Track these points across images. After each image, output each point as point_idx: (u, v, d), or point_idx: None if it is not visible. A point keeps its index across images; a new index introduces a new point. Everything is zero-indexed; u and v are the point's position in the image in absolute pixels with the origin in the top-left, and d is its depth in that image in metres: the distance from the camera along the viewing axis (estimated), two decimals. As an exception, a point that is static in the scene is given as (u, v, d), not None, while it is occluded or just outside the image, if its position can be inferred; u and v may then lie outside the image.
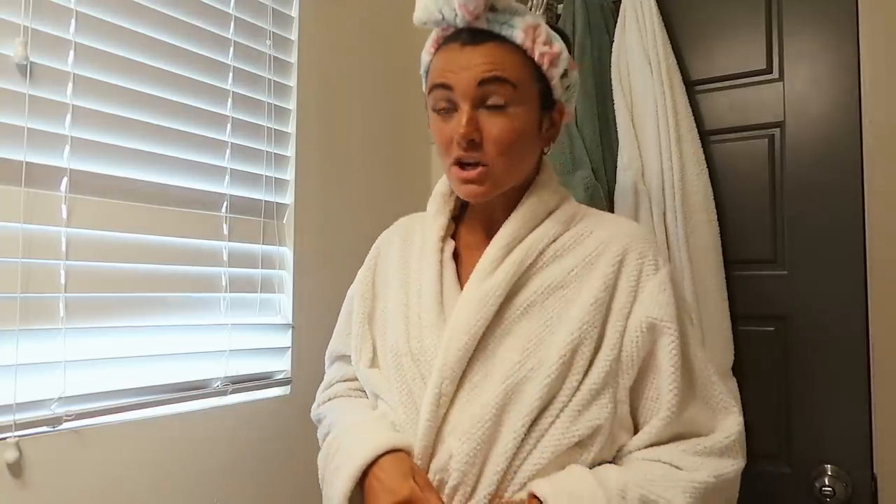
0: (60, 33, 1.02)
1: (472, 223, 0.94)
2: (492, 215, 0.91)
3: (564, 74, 0.87)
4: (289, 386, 1.35)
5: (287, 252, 1.38)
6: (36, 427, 0.96)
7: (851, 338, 1.32)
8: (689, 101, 1.45)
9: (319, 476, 0.92)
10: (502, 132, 0.81)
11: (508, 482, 0.77)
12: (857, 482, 1.30)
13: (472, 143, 0.81)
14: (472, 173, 0.82)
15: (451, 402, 0.81)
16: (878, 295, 1.29)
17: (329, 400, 1.04)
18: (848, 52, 1.35)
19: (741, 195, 1.46)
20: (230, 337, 1.25)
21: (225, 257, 1.25)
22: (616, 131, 1.48)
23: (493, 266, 0.84)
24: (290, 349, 1.36)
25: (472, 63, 0.80)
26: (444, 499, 0.78)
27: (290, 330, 1.36)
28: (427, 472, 0.80)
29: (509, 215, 0.88)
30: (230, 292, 1.26)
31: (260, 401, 1.30)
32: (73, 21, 1.03)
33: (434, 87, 0.84)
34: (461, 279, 0.89)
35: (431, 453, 0.80)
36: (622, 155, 1.45)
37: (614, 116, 1.48)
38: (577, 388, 0.79)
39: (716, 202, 1.42)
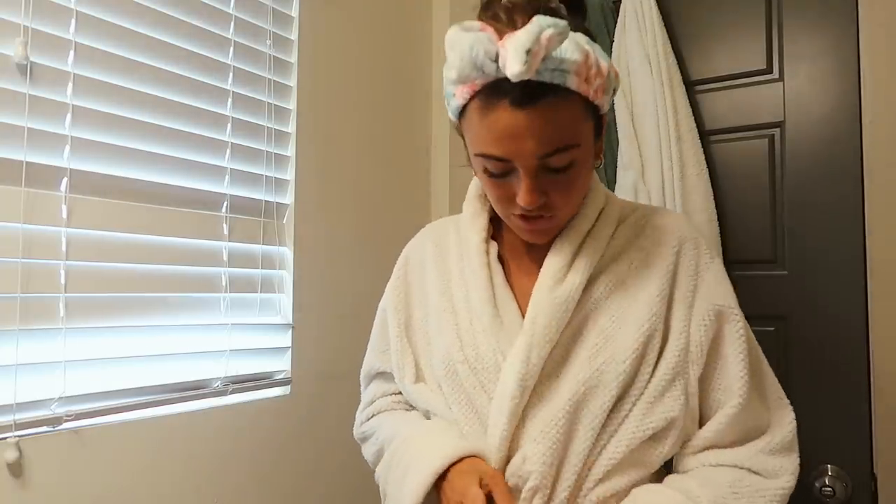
0: (60, 33, 1.02)
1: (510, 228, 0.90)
2: None
3: (613, 91, 0.79)
4: (289, 386, 1.35)
5: (287, 252, 1.38)
6: (36, 427, 0.96)
7: (851, 338, 1.32)
8: (689, 101, 1.45)
9: (381, 492, 0.89)
10: (568, 189, 0.76)
11: (583, 479, 0.77)
12: (857, 482, 1.30)
13: (540, 207, 0.77)
14: (539, 225, 0.79)
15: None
16: (878, 295, 1.29)
17: (374, 416, 0.98)
18: (848, 52, 1.35)
19: (741, 195, 1.46)
20: (230, 337, 1.25)
21: (225, 257, 1.25)
22: (616, 131, 1.48)
23: (563, 270, 0.81)
24: (290, 349, 1.36)
25: (531, 132, 0.70)
26: (523, 503, 0.76)
27: (290, 330, 1.36)
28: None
29: None
30: (230, 292, 1.26)
31: (260, 401, 1.30)
32: (73, 21, 1.03)
33: (485, 156, 0.74)
34: (510, 281, 0.86)
35: (507, 460, 0.79)
36: (622, 155, 1.45)
37: (614, 116, 1.48)
38: (650, 381, 0.79)
39: (716, 202, 1.42)
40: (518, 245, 0.89)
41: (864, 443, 1.30)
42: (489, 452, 0.78)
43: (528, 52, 0.63)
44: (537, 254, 0.85)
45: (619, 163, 1.46)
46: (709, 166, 1.43)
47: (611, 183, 1.48)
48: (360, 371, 1.04)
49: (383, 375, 1.00)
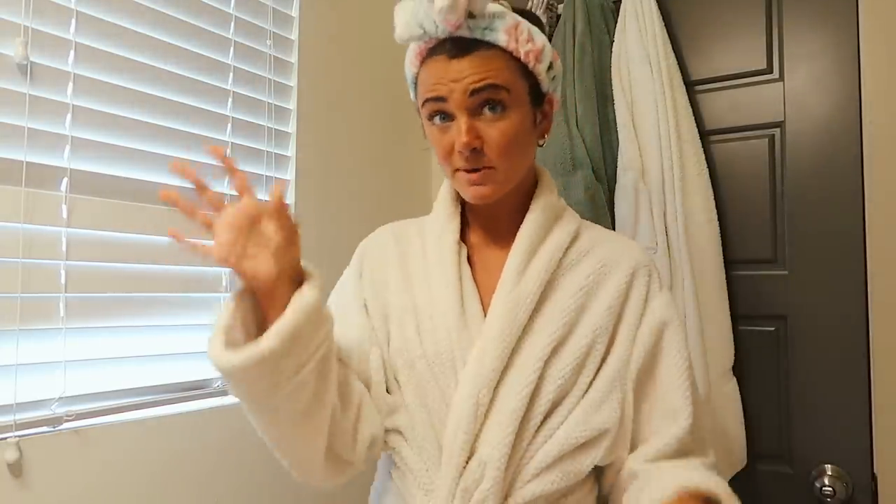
0: (60, 33, 1.02)
1: (475, 227, 0.94)
2: (497, 218, 0.91)
3: (550, 66, 0.87)
4: (289, 386, 1.35)
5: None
6: (36, 427, 0.96)
7: (851, 338, 1.32)
8: (689, 101, 1.45)
9: None
10: (501, 136, 0.82)
11: (515, 479, 0.80)
12: (857, 482, 1.31)
13: (475, 150, 0.81)
14: (477, 175, 0.83)
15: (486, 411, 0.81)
16: (878, 295, 1.29)
17: None
18: (848, 52, 1.35)
19: (741, 195, 1.46)
20: (230, 337, 1.25)
21: (225, 257, 1.25)
22: (616, 131, 1.48)
23: (519, 271, 0.85)
24: (291, 349, 1.36)
25: (462, 74, 0.81)
26: None
27: (291, 330, 1.36)
28: (458, 485, 0.79)
29: (514, 218, 0.90)
30: (230, 292, 1.26)
31: (260, 401, 1.29)
32: (73, 21, 1.03)
33: (427, 100, 0.84)
34: (476, 281, 0.89)
35: (465, 465, 0.80)
36: (622, 155, 1.45)
37: (614, 116, 1.48)
38: (587, 391, 0.83)
39: (716, 202, 1.42)
40: (479, 246, 0.93)
41: (864, 443, 1.30)
42: (447, 455, 0.80)
43: None
44: (501, 256, 0.89)
45: (619, 163, 1.46)
46: (709, 166, 1.43)
47: (611, 182, 1.48)
48: None
49: None
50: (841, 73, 1.36)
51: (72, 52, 1.03)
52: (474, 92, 0.80)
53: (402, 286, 0.92)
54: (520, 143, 0.84)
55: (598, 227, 0.97)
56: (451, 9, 0.78)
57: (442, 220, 0.92)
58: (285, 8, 1.41)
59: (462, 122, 0.81)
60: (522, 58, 0.83)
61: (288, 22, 1.42)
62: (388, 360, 0.89)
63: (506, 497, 0.79)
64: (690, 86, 1.49)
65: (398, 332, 0.89)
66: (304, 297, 0.71)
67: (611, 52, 1.50)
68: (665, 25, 1.46)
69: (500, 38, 0.81)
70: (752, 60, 1.46)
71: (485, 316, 0.85)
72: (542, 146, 0.93)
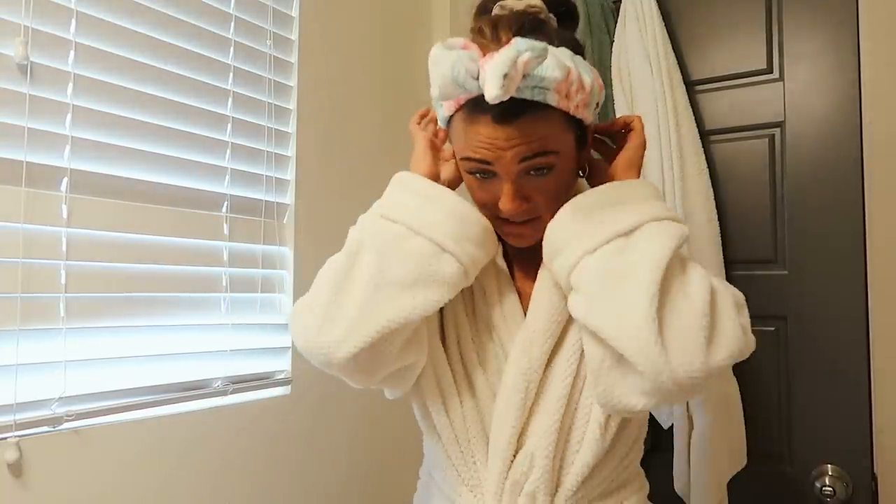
0: (60, 33, 1.02)
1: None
2: None
3: (597, 105, 0.81)
4: (289, 386, 1.35)
5: (287, 252, 1.38)
6: (36, 427, 0.96)
7: (851, 338, 1.32)
8: (689, 101, 1.45)
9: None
10: (549, 193, 0.78)
11: (559, 472, 0.80)
12: (858, 482, 1.31)
13: (522, 212, 0.79)
14: (523, 230, 0.81)
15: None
16: (878, 295, 1.29)
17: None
18: (848, 52, 1.35)
19: (741, 195, 1.46)
20: (230, 337, 1.25)
21: (225, 257, 1.25)
22: (616, 131, 1.48)
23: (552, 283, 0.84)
24: (291, 349, 1.36)
25: (511, 142, 0.73)
26: (525, 497, 0.78)
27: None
28: (507, 478, 0.79)
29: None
30: (230, 292, 1.26)
31: (260, 401, 1.30)
32: (73, 21, 1.03)
33: (468, 159, 0.77)
34: (514, 280, 0.88)
35: (512, 458, 0.80)
36: (622, 155, 1.45)
37: (614, 116, 1.48)
38: None
39: (716, 202, 1.42)
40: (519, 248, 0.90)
41: (864, 443, 1.30)
42: (493, 448, 0.80)
43: (505, 76, 0.64)
44: (537, 251, 0.85)
45: (619, 163, 1.45)
46: (709, 166, 1.43)
47: (611, 183, 1.48)
48: None
49: None
50: (841, 73, 1.36)
51: (72, 52, 1.03)
52: (524, 160, 0.74)
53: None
54: (566, 189, 0.81)
55: None
56: (500, 96, 0.66)
57: None
58: (285, 8, 1.41)
59: (508, 187, 0.76)
60: (572, 111, 0.75)
61: (288, 22, 1.42)
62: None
63: (556, 487, 0.79)
64: (690, 86, 1.49)
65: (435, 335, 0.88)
66: None
67: (611, 52, 1.50)
68: (665, 25, 1.46)
69: (551, 98, 0.72)
70: (752, 60, 1.46)
71: (522, 308, 0.85)
72: (583, 176, 0.89)
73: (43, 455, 0.95)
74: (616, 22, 1.51)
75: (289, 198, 1.39)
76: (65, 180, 1.02)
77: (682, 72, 1.46)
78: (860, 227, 1.32)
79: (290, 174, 1.40)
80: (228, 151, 1.27)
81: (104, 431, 1.03)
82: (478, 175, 0.79)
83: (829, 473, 1.33)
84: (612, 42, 1.51)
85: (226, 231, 1.26)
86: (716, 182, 1.45)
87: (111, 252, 1.07)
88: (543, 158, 0.75)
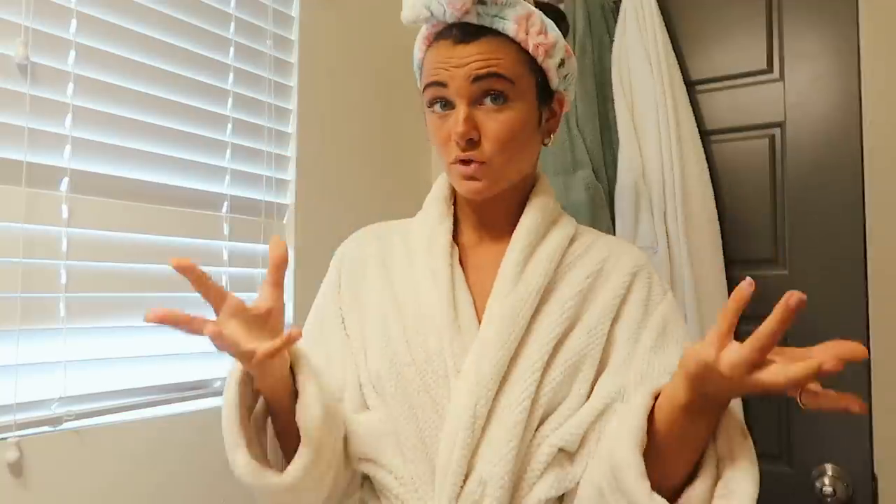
0: (61, 33, 1.02)
1: (466, 227, 0.90)
2: (492, 218, 0.88)
3: (561, 64, 0.84)
4: (289, 386, 1.35)
5: (287, 252, 1.38)
6: (36, 427, 0.96)
7: (851, 337, 1.30)
8: (690, 101, 1.45)
9: None
10: (500, 129, 0.78)
11: (511, 501, 0.74)
12: (858, 482, 1.30)
13: (471, 141, 0.78)
14: (471, 169, 0.79)
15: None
16: (878, 295, 1.29)
17: None
18: (848, 52, 1.35)
19: (741, 195, 1.46)
20: (230, 337, 1.24)
21: (225, 257, 1.25)
22: (616, 131, 1.48)
23: (517, 272, 0.81)
24: (291, 349, 1.36)
25: (466, 60, 0.78)
26: None
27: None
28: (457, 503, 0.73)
29: (509, 219, 0.86)
30: (230, 292, 1.25)
31: (260, 401, 1.29)
32: (73, 21, 1.03)
33: (428, 85, 0.81)
34: (468, 285, 0.84)
35: (462, 485, 0.73)
36: (622, 155, 1.45)
37: (615, 116, 1.48)
38: (587, 397, 0.79)
39: (716, 202, 1.42)
40: (475, 248, 0.88)
41: (864, 443, 1.30)
42: (441, 474, 0.73)
43: None
44: (495, 257, 0.85)
45: (619, 163, 1.46)
46: (709, 166, 1.43)
47: (611, 182, 1.48)
48: None
49: None
50: (841, 73, 1.36)
51: (72, 52, 1.03)
52: (476, 79, 0.77)
53: (384, 290, 0.86)
54: (520, 139, 0.81)
55: (594, 230, 0.92)
56: (463, 7, 0.76)
57: (433, 220, 0.88)
58: (285, 8, 1.41)
59: (461, 110, 0.78)
60: (531, 50, 0.80)
61: (288, 22, 1.42)
62: (370, 373, 0.83)
63: None
64: (690, 86, 1.49)
65: (382, 338, 0.82)
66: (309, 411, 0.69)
67: (611, 52, 1.50)
68: (665, 25, 1.46)
69: (510, 27, 0.79)
70: (752, 60, 1.46)
71: (478, 320, 0.80)
72: (547, 146, 0.90)
73: (43, 455, 0.95)
74: (616, 22, 1.51)
75: (289, 198, 1.40)
76: (65, 180, 1.02)
77: (682, 72, 1.46)
78: (860, 228, 1.32)
79: (290, 174, 1.40)
80: (228, 151, 1.27)
81: (104, 431, 1.03)
82: (437, 107, 0.81)
83: (829, 473, 1.33)
84: (612, 42, 1.51)
85: (226, 231, 1.26)
86: (716, 182, 1.45)
87: (111, 252, 1.07)
88: (496, 80, 0.78)
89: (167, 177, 1.16)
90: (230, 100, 1.27)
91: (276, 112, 1.37)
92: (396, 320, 0.83)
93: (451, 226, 0.88)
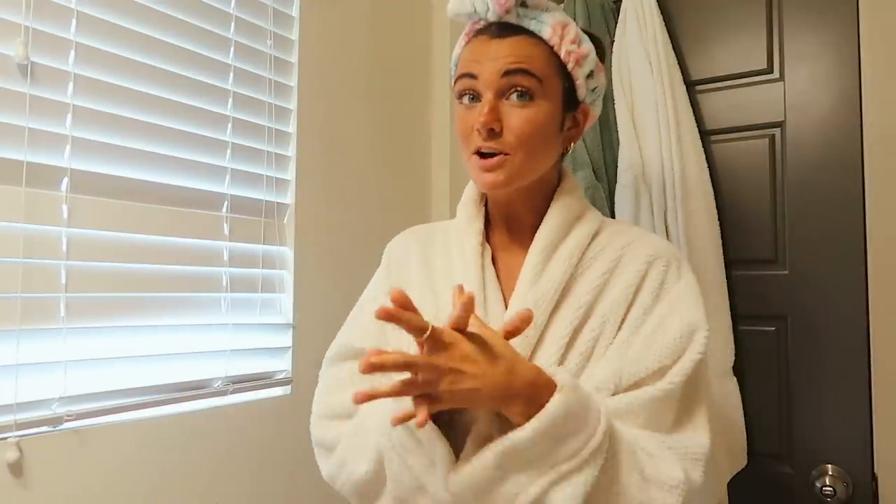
0: (61, 33, 1.02)
1: (498, 228, 0.93)
2: (519, 219, 0.91)
3: (590, 75, 0.88)
4: (289, 386, 1.35)
5: (288, 252, 1.38)
6: (37, 427, 0.96)
7: (851, 338, 1.32)
8: (690, 101, 1.45)
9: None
10: (523, 123, 0.81)
11: None
12: (858, 482, 1.31)
13: (492, 132, 0.81)
14: (490, 162, 0.82)
15: None
16: (878, 295, 1.29)
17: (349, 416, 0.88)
18: (848, 52, 1.35)
19: (741, 195, 1.46)
20: (231, 337, 1.25)
21: (225, 257, 1.25)
22: (616, 131, 1.48)
23: (536, 272, 0.84)
24: (291, 349, 1.36)
25: (499, 54, 0.82)
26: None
27: (291, 330, 1.36)
28: None
29: (535, 220, 0.89)
30: (231, 292, 1.26)
31: (260, 401, 1.30)
32: (73, 21, 1.03)
33: (460, 76, 0.85)
34: (500, 283, 0.88)
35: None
36: (622, 155, 1.45)
37: (615, 116, 1.48)
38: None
39: (716, 202, 1.42)
40: (502, 248, 0.91)
41: (864, 443, 1.30)
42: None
43: None
44: (522, 257, 0.87)
45: (619, 163, 1.46)
46: (709, 166, 1.43)
47: (611, 182, 1.48)
48: (327, 352, 0.97)
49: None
50: (841, 73, 1.36)
51: (72, 52, 1.03)
52: (506, 73, 0.81)
53: (425, 288, 0.90)
54: (540, 137, 0.83)
55: (623, 222, 0.95)
56: (505, 4, 0.80)
57: (465, 222, 0.92)
58: (285, 8, 1.41)
59: (486, 101, 0.81)
60: (563, 56, 0.84)
61: (288, 22, 1.42)
62: None
63: None
64: (690, 86, 1.49)
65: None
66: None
67: (611, 52, 1.50)
68: (665, 25, 1.46)
69: (545, 30, 0.83)
70: (752, 60, 1.46)
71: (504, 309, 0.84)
72: (568, 152, 0.92)
73: (43, 455, 0.95)
74: (616, 22, 1.51)
75: (289, 198, 1.40)
76: (65, 180, 1.02)
77: (682, 72, 1.46)
78: (860, 227, 1.32)
79: (290, 174, 1.40)
80: (229, 151, 1.27)
81: (104, 431, 1.03)
82: (465, 99, 0.84)
83: (829, 473, 1.33)
84: (612, 42, 1.51)
85: (226, 231, 1.26)
86: (716, 182, 1.45)
87: (111, 252, 1.07)
88: (524, 76, 0.81)
89: (167, 177, 1.16)
90: (230, 100, 1.27)
91: (276, 112, 1.37)
92: (433, 317, 0.83)
93: (482, 227, 0.91)
